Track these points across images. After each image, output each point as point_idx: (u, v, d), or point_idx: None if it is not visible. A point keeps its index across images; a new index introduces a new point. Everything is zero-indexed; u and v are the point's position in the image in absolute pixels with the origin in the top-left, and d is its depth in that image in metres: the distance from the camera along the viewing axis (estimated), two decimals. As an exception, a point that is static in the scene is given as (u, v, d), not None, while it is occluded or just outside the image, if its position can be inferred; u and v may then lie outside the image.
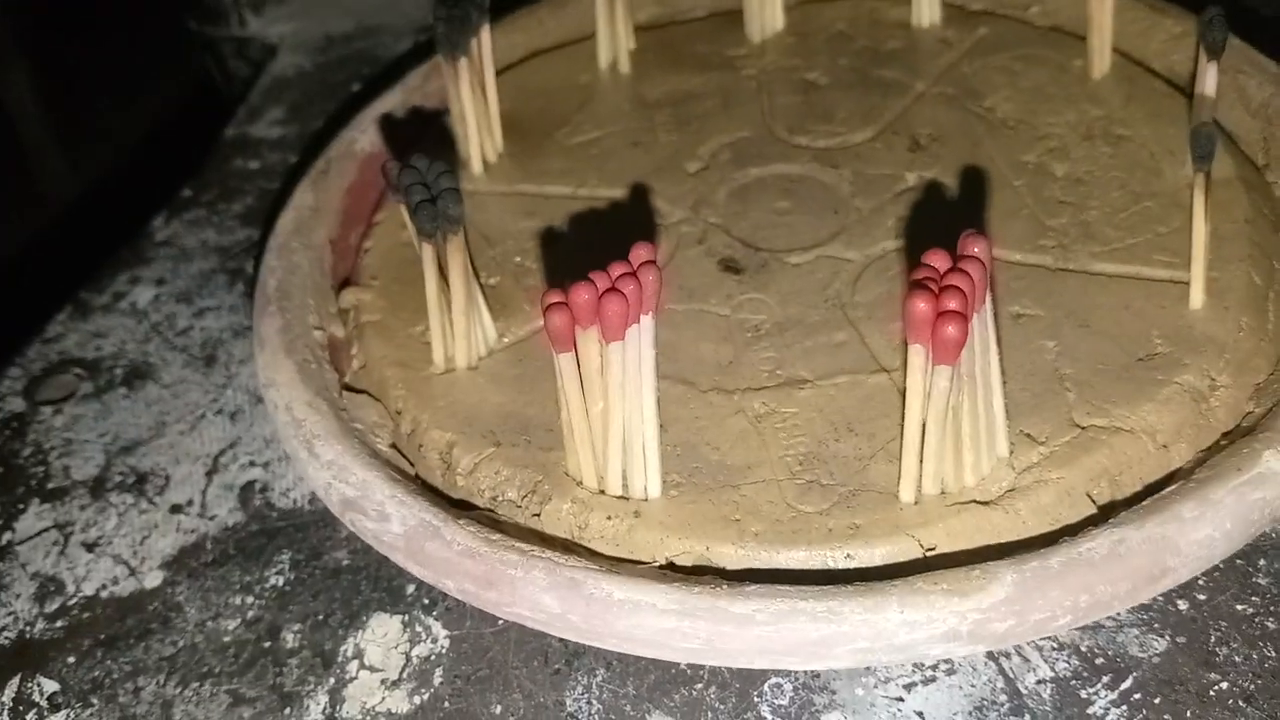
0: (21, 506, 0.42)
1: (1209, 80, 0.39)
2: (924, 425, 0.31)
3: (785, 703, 0.33)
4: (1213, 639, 0.33)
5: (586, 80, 0.52)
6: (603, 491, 0.35)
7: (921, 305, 0.28)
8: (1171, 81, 0.47)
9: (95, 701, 0.36)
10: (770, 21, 0.54)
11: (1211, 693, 0.32)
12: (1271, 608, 0.34)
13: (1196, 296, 0.37)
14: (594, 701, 0.34)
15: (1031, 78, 0.48)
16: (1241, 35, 0.46)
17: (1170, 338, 0.37)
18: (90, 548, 0.41)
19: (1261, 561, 0.35)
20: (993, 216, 0.43)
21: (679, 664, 0.34)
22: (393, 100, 0.50)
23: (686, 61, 0.53)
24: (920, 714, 0.32)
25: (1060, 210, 0.42)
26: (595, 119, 0.50)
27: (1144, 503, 0.31)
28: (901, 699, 0.32)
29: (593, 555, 0.33)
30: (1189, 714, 0.32)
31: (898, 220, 0.43)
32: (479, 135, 0.47)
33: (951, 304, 0.28)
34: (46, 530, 0.41)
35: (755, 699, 0.33)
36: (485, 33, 0.46)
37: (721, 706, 0.33)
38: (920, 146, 0.46)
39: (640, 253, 0.32)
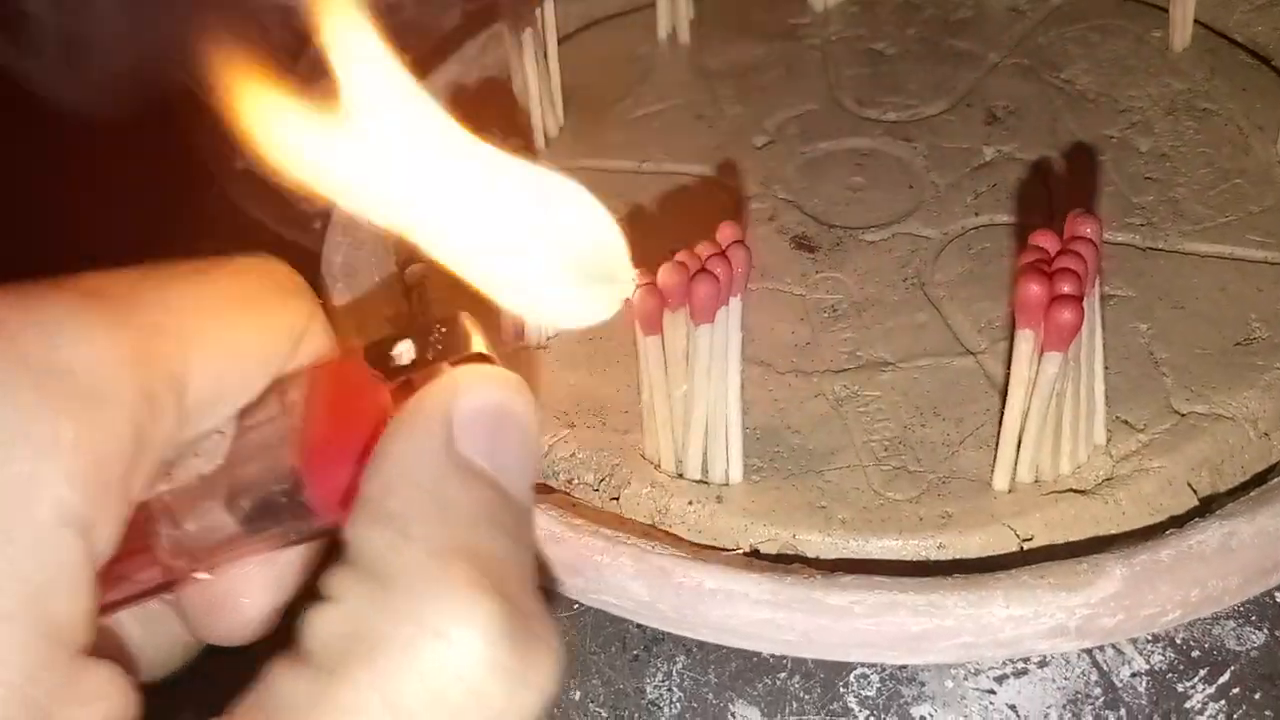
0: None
1: (1307, 52, 0.38)
2: (1025, 412, 0.30)
3: (872, 694, 0.32)
4: (1313, 633, 0.32)
5: (645, 50, 0.51)
6: (682, 475, 0.34)
7: (1035, 289, 0.27)
8: (1256, 53, 0.46)
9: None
10: (833, -11, 0.52)
11: (1313, 688, 0.31)
12: (1374, 600, 0.33)
13: (1296, 278, 0.36)
14: (675, 689, 0.33)
15: (1110, 49, 0.47)
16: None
17: (1269, 321, 0.36)
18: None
19: (1361, 552, 0.34)
20: (1077, 193, 0.41)
21: (762, 652, 0.33)
22: (451, 72, 0.49)
23: (747, 30, 0.51)
24: (1013, 707, 0.31)
25: (1147, 187, 0.41)
26: (656, 91, 0.49)
27: (1251, 494, 0.30)
28: (993, 691, 0.32)
29: (677, 541, 0.32)
30: (1291, 710, 0.31)
31: (976, 196, 0.42)
32: (540, 109, 0.46)
33: (1066, 287, 0.27)
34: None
35: (841, 689, 0.32)
36: (549, 3, 0.45)
37: (806, 696, 0.32)
38: (996, 119, 0.45)
39: (728, 232, 0.31)
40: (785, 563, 0.31)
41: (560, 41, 0.50)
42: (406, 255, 0.44)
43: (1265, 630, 0.32)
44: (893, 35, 0.50)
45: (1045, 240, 0.28)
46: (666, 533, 0.33)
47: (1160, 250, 0.39)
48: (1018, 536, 0.31)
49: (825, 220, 0.42)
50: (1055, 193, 0.42)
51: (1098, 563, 0.28)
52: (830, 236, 0.42)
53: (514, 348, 0.39)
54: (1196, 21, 0.47)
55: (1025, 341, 0.29)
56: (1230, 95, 0.44)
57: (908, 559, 0.32)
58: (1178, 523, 0.30)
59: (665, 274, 0.29)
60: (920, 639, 0.28)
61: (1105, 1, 0.50)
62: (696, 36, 0.51)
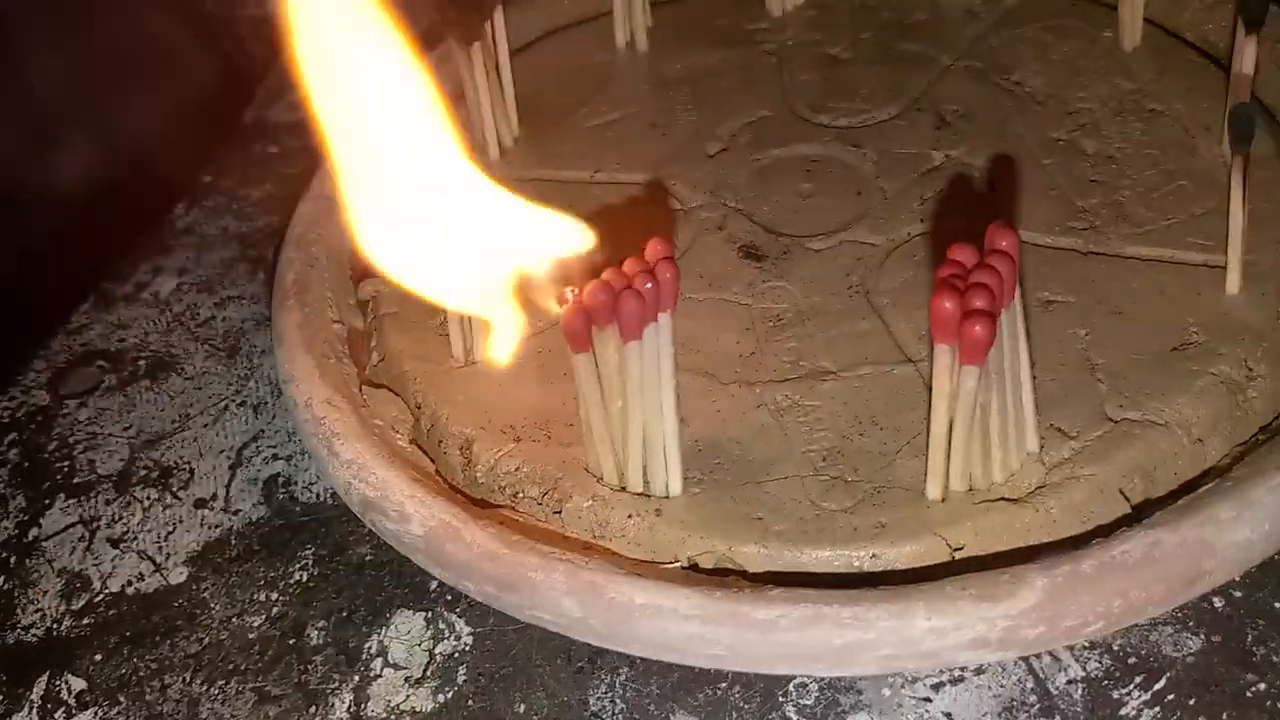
0: (48, 501, 0.42)
1: (1248, 56, 0.38)
2: (951, 422, 0.31)
3: (810, 703, 0.32)
4: (1249, 638, 0.33)
5: (603, 59, 0.51)
6: (624, 489, 0.35)
7: (947, 305, 0.28)
8: (1206, 53, 0.46)
9: (122, 699, 0.36)
10: (791, -6, 0.52)
11: (1248, 694, 0.32)
12: (1310, 604, 0.33)
13: (1233, 282, 0.36)
14: (617, 700, 0.33)
15: (1061, 50, 0.47)
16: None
17: (1205, 325, 0.36)
18: (116, 543, 0.41)
19: (1299, 555, 0.34)
20: (1021, 197, 0.42)
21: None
22: (408, 84, 0.50)
23: (705, 37, 0.51)
24: (948, 715, 0.32)
25: (1092, 190, 0.41)
26: (612, 99, 0.49)
27: (1179, 503, 0.31)
28: (929, 699, 0.32)
29: (615, 556, 0.33)
30: (1225, 715, 0.31)
31: (923, 202, 0.42)
32: (494, 120, 0.47)
33: (978, 302, 0.27)
34: (73, 525, 0.41)
35: (780, 699, 0.33)
36: (499, 15, 0.46)
37: (746, 706, 0.33)
38: (946, 124, 0.45)
39: (656, 249, 0.32)
40: (721, 576, 0.32)
41: (518, 51, 0.51)
42: (361, 270, 0.44)
43: (1202, 636, 0.33)
44: (847, 39, 0.50)
45: (962, 254, 0.29)
46: (606, 549, 0.33)
47: (1102, 255, 0.39)
48: (949, 546, 0.32)
49: (773, 229, 0.43)
50: (1001, 197, 0.42)
51: (1019, 574, 0.28)
52: (778, 245, 0.42)
53: (465, 364, 0.40)
54: (1149, 21, 0.47)
55: (943, 355, 0.29)
56: (1178, 95, 0.44)
57: (841, 570, 0.32)
58: (1106, 531, 0.31)
59: (590, 293, 0.30)
60: (844, 652, 0.28)
61: (1058, 1, 0.50)
62: (654, 44, 0.52)
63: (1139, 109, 0.44)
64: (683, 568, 0.33)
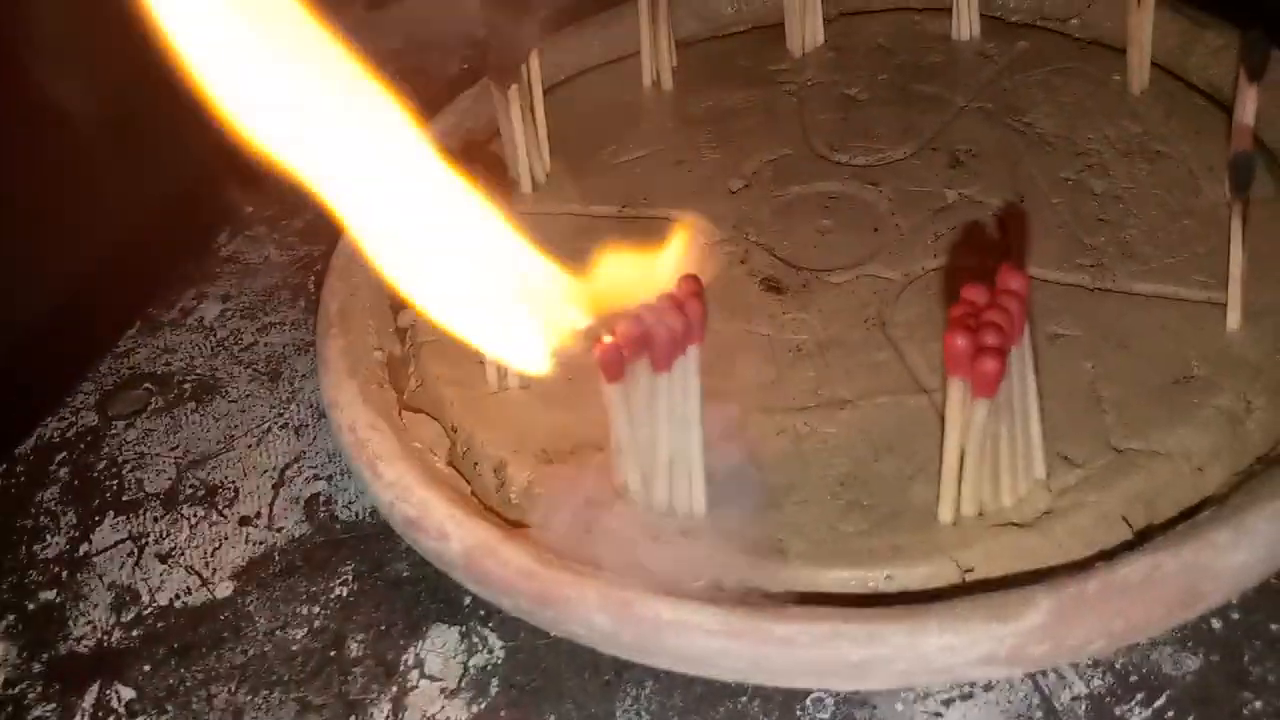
0: (98, 518, 0.44)
1: (1249, 104, 0.40)
2: (962, 452, 0.32)
3: (826, 716, 0.34)
4: (1247, 658, 0.34)
5: (630, 98, 0.53)
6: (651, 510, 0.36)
7: (960, 342, 0.29)
8: (1212, 97, 0.48)
9: (170, 708, 0.38)
10: (811, 35, 0.54)
11: (1245, 711, 0.33)
12: (1306, 627, 0.35)
13: (1233, 319, 0.38)
14: (643, 713, 0.35)
15: (1071, 92, 0.49)
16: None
17: (1207, 360, 0.37)
18: (164, 559, 0.43)
19: (1296, 581, 0.36)
20: (1032, 234, 0.43)
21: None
22: (445, 122, 0.52)
23: (728, 77, 0.54)
24: (958, 729, 0.33)
25: (1099, 228, 0.43)
26: (639, 137, 0.51)
27: (1179, 528, 0.32)
28: (940, 714, 0.34)
29: (642, 575, 0.34)
30: (1222, 731, 0.33)
31: (937, 238, 0.44)
32: (528, 157, 0.49)
33: (989, 339, 0.29)
34: (122, 542, 0.43)
35: (798, 713, 0.34)
36: (534, 59, 0.48)
37: (765, 719, 0.34)
38: (960, 163, 0.47)
39: (687, 285, 0.33)
40: (743, 594, 0.34)
41: (550, 89, 0.53)
42: (401, 301, 0.46)
43: (1201, 656, 0.34)
44: (865, 80, 0.52)
45: (974, 294, 0.31)
46: (633, 566, 0.35)
47: (1108, 290, 0.41)
48: (960, 568, 0.33)
49: (794, 263, 0.44)
50: (1012, 235, 0.44)
51: (1027, 595, 0.30)
52: (798, 278, 0.44)
53: (499, 389, 0.41)
54: (1157, 65, 0.49)
55: (956, 389, 0.31)
56: (1184, 138, 0.46)
57: (857, 590, 0.34)
58: (1110, 555, 0.32)
59: (622, 329, 0.32)
60: (860, 667, 0.30)
61: (1068, 45, 0.52)
62: (679, 83, 0.54)
63: (1146, 150, 0.46)
64: (707, 586, 0.34)
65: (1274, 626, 0.35)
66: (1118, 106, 0.48)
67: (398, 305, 0.46)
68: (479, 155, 0.51)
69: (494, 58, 0.45)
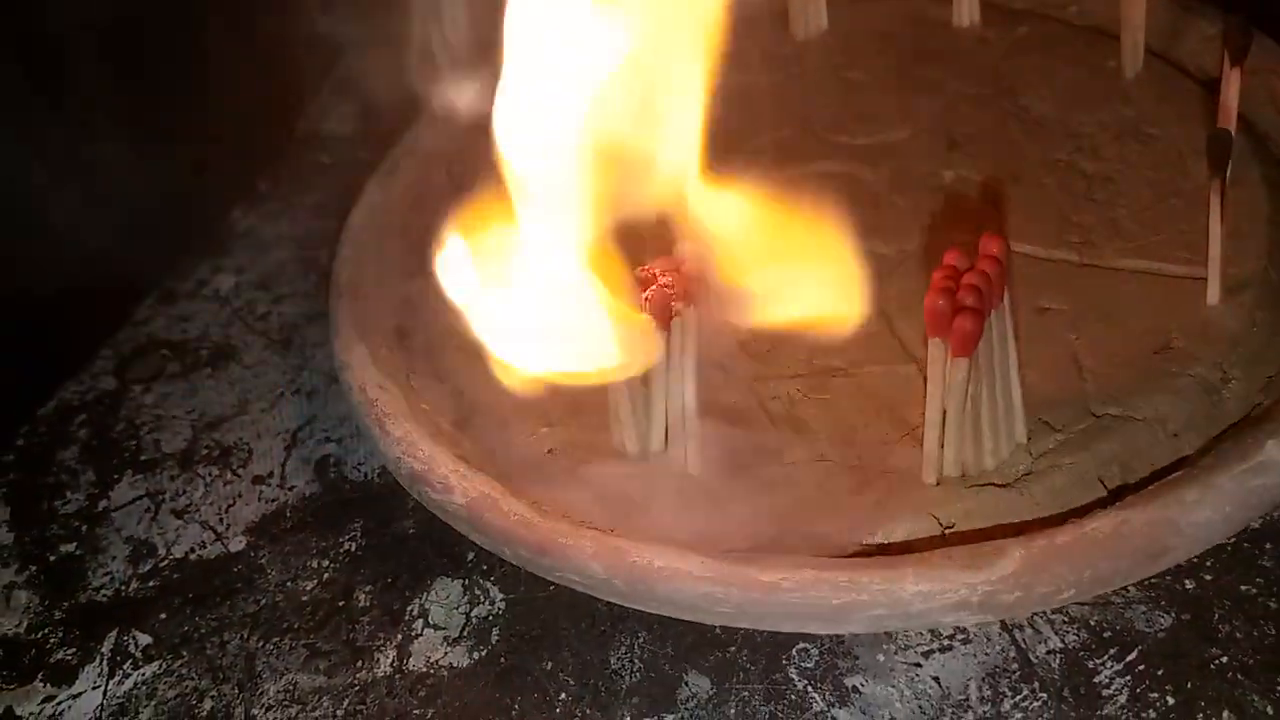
0: (117, 477, 0.46)
1: (1232, 86, 0.41)
2: (944, 412, 0.34)
3: (811, 665, 0.36)
4: (1216, 617, 0.35)
5: (638, 80, 0.55)
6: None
7: (940, 303, 0.31)
8: (1203, 82, 0.49)
9: (185, 653, 0.40)
10: (815, 20, 0.56)
11: (1212, 666, 0.34)
12: (1274, 589, 0.36)
13: (1213, 293, 0.39)
14: (636, 660, 0.37)
15: (1067, 77, 0.50)
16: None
17: (1186, 332, 0.39)
18: (180, 515, 0.44)
19: (1268, 545, 0.37)
20: (1023, 213, 0.45)
21: (714, 628, 0.37)
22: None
23: (733, 60, 0.55)
24: (936, 679, 0.35)
25: (1088, 207, 0.44)
26: (646, 117, 0.53)
27: (1150, 487, 0.33)
28: (919, 665, 0.35)
29: (636, 525, 0.36)
30: (1189, 685, 0.34)
31: (932, 216, 0.46)
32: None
33: (968, 301, 0.31)
34: (139, 499, 0.45)
35: (784, 661, 0.36)
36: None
37: (752, 667, 0.36)
38: (956, 144, 0.49)
39: (685, 249, 0.35)
40: (732, 544, 0.35)
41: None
42: (408, 270, 0.48)
43: (1173, 614, 0.36)
44: (866, 64, 0.53)
45: (955, 259, 0.32)
46: (628, 517, 0.37)
47: (1095, 266, 0.42)
48: (940, 524, 0.35)
49: (792, 238, 0.46)
50: (1005, 213, 0.45)
51: (1000, 546, 0.31)
52: (795, 253, 0.45)
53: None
54: (1151, 52, 0.50)
55: (936, 349, 0.32)
56: (1174, 121, 0.47)
57: (843, 542, 0.35)
58: (1083, 512, 0.34)
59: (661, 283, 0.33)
60: (840, 611, 0.31)
61: (1066, 31, 0.53)
62: (684, 66, 0.55)
63: (1137, 133, 0.47)
64: (699, 538, 0.36)
65: (1244, 588, 0.36)
66: (1111, 91, 0.49)
67: (407, 275, 0.48)
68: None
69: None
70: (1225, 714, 0.33)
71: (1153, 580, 0.36)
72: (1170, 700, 0.34)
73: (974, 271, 0.31)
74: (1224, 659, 0.34)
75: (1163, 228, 0.43)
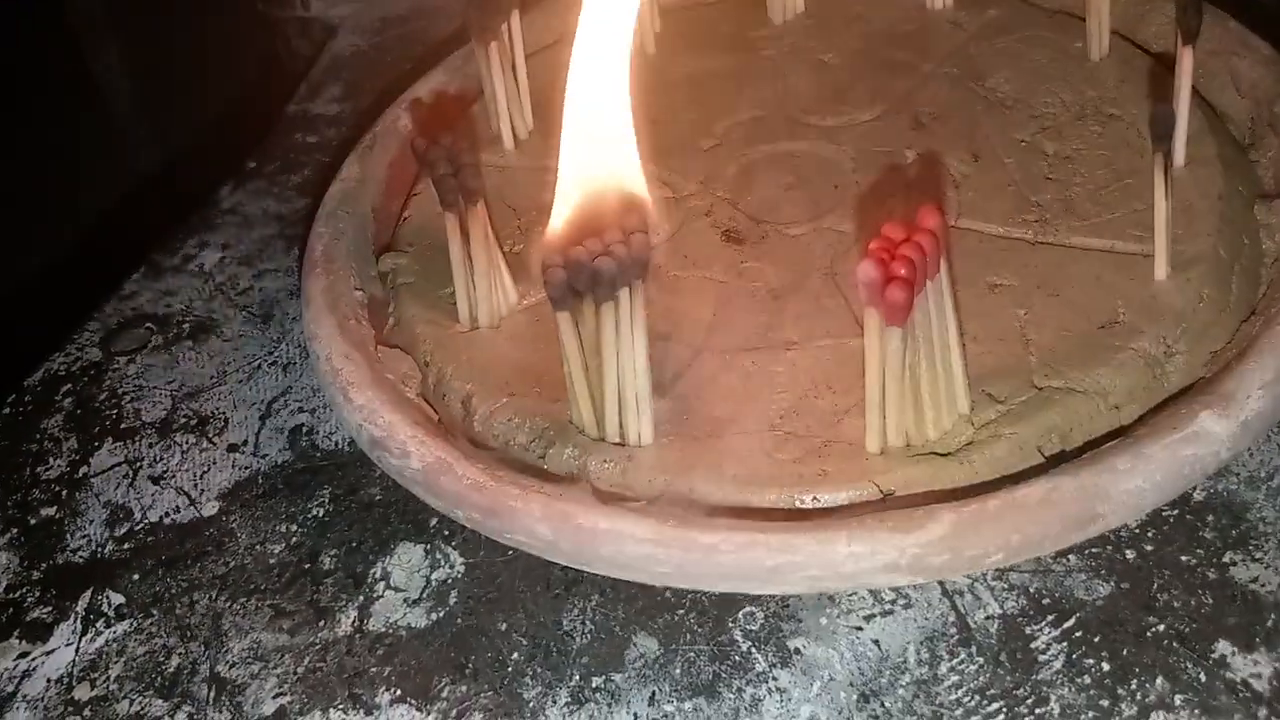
0: (97, 444, 0.47)
1: (1185, 65, 0.41)
2: (884, 382, 0.35)
3: (756, 628, 0.37)
4: (1155, 586, 0.36)
5: (614, 61, 0.56)
6: (602, 439, 0.39)
7: (872, 272, 0.32)
8: (1168, 64, 0.49)
9: (155, 613, 0.41)
10: (791, 3, 0.56)
11: (1148, 634, 0.35)
12: (1214, 559, 0.37)
13: (1160, 269, 0.40)
14: (587, 622, 0.38)
15: (1033, 59, 0.51)
16: (1246, 20, 0.48)
17: (1133, 307, 0.39)
18: (156, 481, 0.46)
19: (1210, 517, 0.38)
20: (982, 192, 0.45)
21: (664, 592, 0.38)
22: (436, 80, 0.54)
23: (709, 43, 0.56)
24: (876, 641, 0.36)
25: (1046, 186, 0.45)
26: (620, 98, 0.53)
27: (1083, 455, 0.34)
28: (860, 628, 0.36)
29: (586, 490, 0.37)
30: (1125, 652, 0.35)
31: (890, 195, 0.46)
32: (509, 114, 0.51)
33: (900, 271, 0.31)
34: (118, 465, 0.46)
35: (730, 624, 0.37)
36: (515, 17, 0.50)
37: (699, 630, 0.37)
38: (921, 125, 0.49)
39: (632, 221, 0.36)
40: (675, 509, 0.36)
41: (539, 51, 0.55)
42: (381, 246, 0.49)
43: (1113, 583, 0.36)
44: (840, 47, 0.54)
45: (892, 231, 0.33)
46: (578, 483, 0.37)
47: (1048, 244, 0.43)
48: (881, 491, 0.35)
49: (755, 216, 0.47)
50: (963, 192, 0.46)
51: (931, 510, 0.32)
52: (758, 231, 0.46)
53: (470, 329, 0.44)
54: (1118, 34, 0.50)
55: (872, 318, 0.33)
56: (1135, 101, 0.47)
57: (786, 509, 0.36)
58: (1018, 479, 0.34)
59: (570, 256, 0.34)
60: (774, 571, 0.32)
61: (1036, 14, 0.53)
62: (661, 48, 0.56)
63: (1099, 114, 0.48)
64: (646, 503, 0.37)
65: (1184, 558, 0.37)
66: (1076, 72, 0.50)
67: (380, 250, 0.49)
68: (466, 111, 0.53)
69: (475, 15, 0.48)
70: (1159, 681, 0.34)
71: (1094, 549, 0.37)
72: (1105, 666, 0.35)
73: (908, 243, 0.32)
74: (1160, 627, 0.35)
75: (1117, 206, 0.43)
